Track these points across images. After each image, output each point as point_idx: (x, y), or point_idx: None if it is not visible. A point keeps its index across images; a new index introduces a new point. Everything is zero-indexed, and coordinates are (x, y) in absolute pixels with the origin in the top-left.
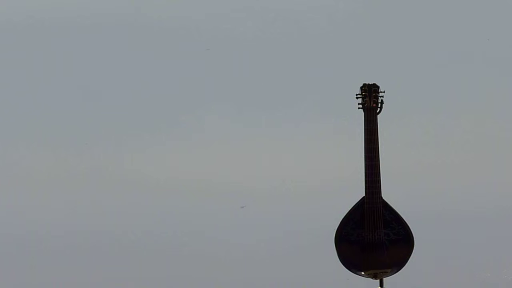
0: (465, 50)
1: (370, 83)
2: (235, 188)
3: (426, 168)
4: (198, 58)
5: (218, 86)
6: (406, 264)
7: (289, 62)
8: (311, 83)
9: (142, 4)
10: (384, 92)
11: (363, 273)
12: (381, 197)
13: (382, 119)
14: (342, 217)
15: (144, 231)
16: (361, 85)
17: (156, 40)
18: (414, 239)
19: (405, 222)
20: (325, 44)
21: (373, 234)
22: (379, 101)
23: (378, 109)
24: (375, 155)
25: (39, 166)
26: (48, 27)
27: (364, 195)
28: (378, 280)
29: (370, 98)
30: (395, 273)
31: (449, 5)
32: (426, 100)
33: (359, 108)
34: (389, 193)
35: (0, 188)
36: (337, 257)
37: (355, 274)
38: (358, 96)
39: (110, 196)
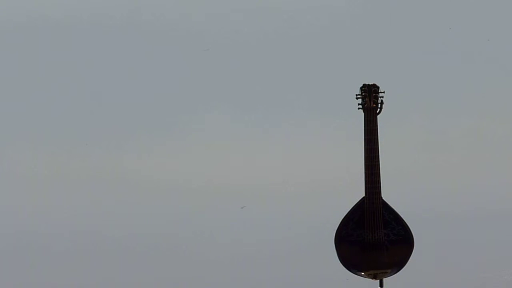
0: (465, 50)
1: (370, 83)
2: (235, 188)
3: (426, 168)
4: (198, 58)
5: (218, 86)
6: (406, 264)
7: (289, 62)
8: (311, 83)
9: (142, 4)
10: (384, 92)
11: (363, 273)
12: (381, 197)
13: (382, 119)
14: (342, 217)
15: (144, 231)
16: (361, 85)
17: (156, 40)
18: (414, 239)
19: (405, 222)
20: (325, 44)
21: (373, 235)
22: (379, 101)
23: (378, 109)
24: (375, 155)
25: (39, 166)
26: (48, 27)
27: (364, 195)
28: (378, 281)
29: (370, 98)
30: (395, 273)
31: (449, 5)
32: (426, 100)
33: (359, 108)
34: (389, 193)
35: (0, 188)
36: (337, 257)
37: (355, 275)
38: (358, 96)
39: (110, 196)
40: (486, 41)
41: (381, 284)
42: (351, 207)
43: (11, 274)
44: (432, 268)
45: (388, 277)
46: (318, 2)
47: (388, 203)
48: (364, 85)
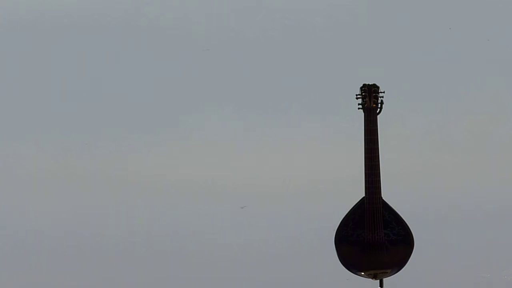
0: (465, 50)
1: (370, 83)
2: (235, 188)
3: (426, 168)
4: (198, 58)
5: (218, 86)
6: (406, 264)
7: (289, 62)
8: (311, 83)
9: (142, 4)
10: (384, 92)
11: (363, 273)
12: (381, 197)
13: (382, 119)
14: (342, 217)
15: (144, 232)
16: (361, 85)
17: (156, 40)
18: (414, 239)
19: (405, 222)
20: (325, 44)
21: (373, 235)
22: (379, 101)
23: (378, 109)
24: (375, 155)
25: (39, 166)
26: (48, 27)
27: (364, 195)
28: (378, 281)
29: (370, 98)
30: (395, 273)
31: (449, 5)
32: (426, 100)
33: (359, 108)
34: (389, 193)
35: (0, 188)
36: (337, 257)
37: (355, 275)
38: (358, 96)
39: (110, 196)
40: (486, 41)
41: (381, 284)
42: (351, 207)
43: (11, 274)
44: (432, 268)
45: (388, 277)
46: (318, 2)
47: (388, 203)
48: (364, 85)
